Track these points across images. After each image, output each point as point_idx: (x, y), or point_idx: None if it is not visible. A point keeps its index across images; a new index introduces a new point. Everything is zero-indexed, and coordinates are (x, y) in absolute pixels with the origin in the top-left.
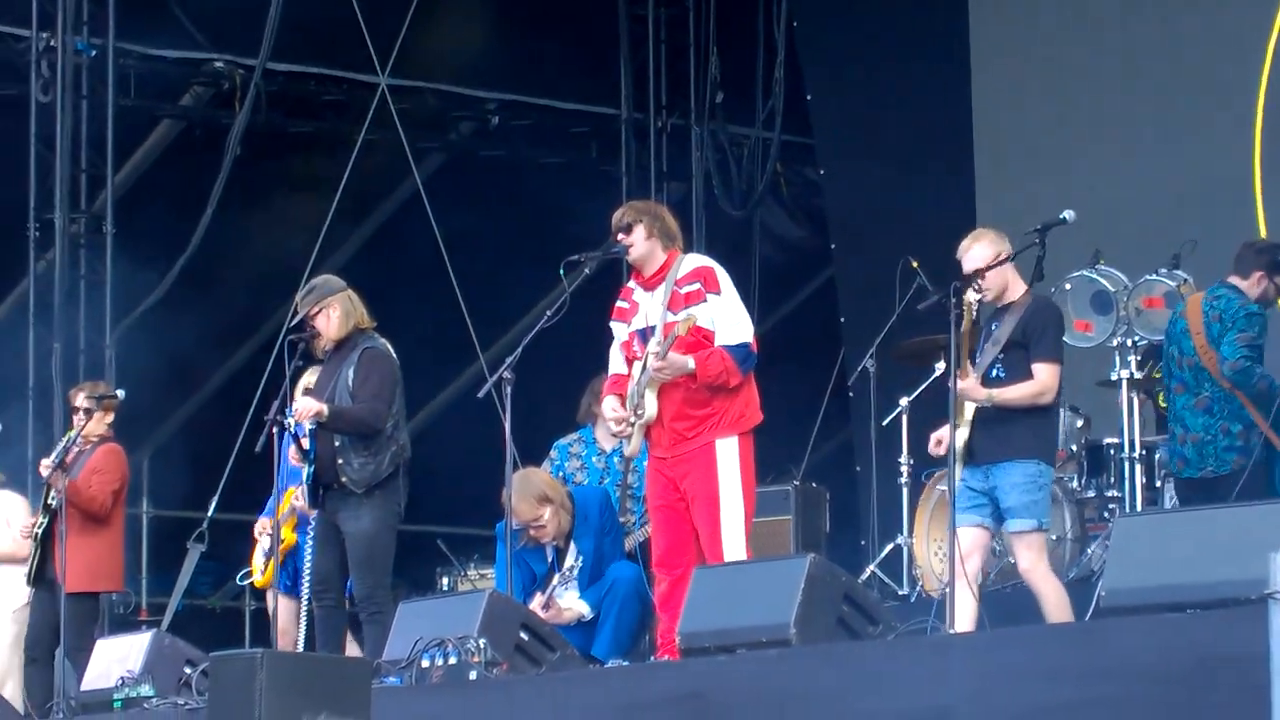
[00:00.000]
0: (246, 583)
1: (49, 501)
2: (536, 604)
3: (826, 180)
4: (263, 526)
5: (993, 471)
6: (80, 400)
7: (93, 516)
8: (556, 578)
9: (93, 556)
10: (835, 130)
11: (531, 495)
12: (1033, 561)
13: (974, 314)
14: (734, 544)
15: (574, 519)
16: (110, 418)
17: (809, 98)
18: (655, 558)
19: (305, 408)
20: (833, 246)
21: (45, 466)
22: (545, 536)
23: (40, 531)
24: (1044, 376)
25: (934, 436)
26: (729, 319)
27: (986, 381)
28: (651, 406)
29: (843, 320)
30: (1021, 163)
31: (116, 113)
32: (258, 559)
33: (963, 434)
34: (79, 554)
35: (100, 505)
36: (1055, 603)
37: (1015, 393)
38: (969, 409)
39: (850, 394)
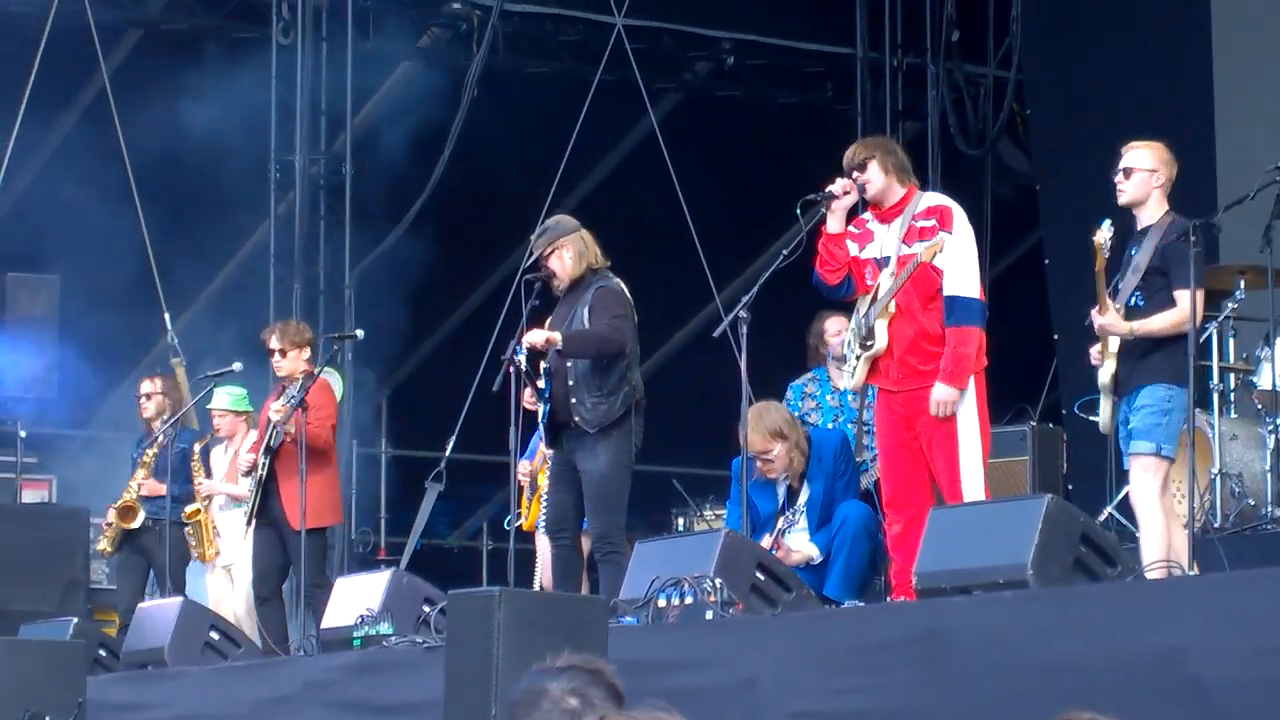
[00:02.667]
0: (514, 526)
1: (270, 443)
2: (764, 545)
3: (1033, 120)
4: (525, 470)
5: (1131, 399)
6: (274, 341)
7: (314, 451)
8: (782, 520)
9: (315, 493)
10: (1046, 67)
11: (766, 428)
12: (1141, 487)
13: (1105, 254)
14: (973, 483)
15: (808, 460)
16: (308, 353)
17: (1012, 29)
18: (885, 499)
19: (535, 336)
20: (1038, 188)
21: (277, 411)
22: (773, 472)
23: (263, 473)
24: (1186, 304)
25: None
26: (959, 267)
27: (1127, 311)
28: (882, 338)
29: (1047, 262)
30: (1264, 97)
31: (355, 55)
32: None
33: (1110, 367)
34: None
35: (324, 441)
36: (1150, 535)
37: (1158, 322)
38: (1113, 342)
39: (1055, 336)
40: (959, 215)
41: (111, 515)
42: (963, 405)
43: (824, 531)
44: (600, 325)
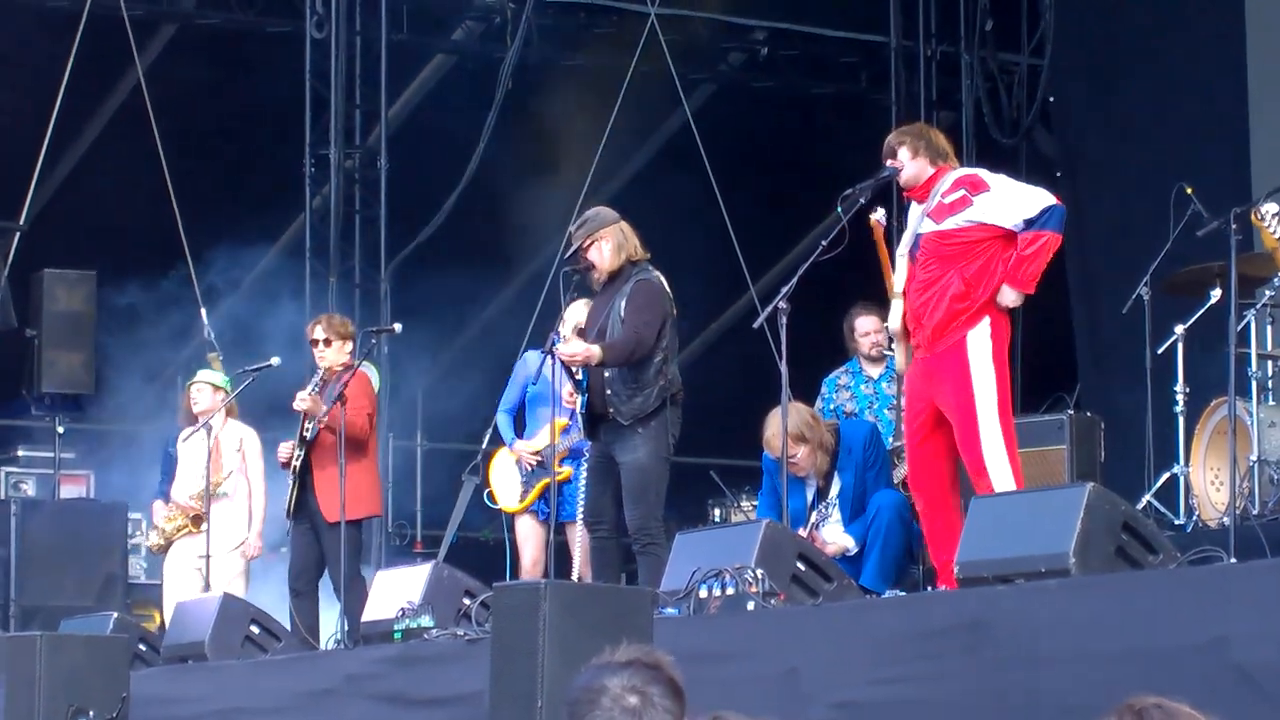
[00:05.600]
0: (495, 505)
1: (304, 434)
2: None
3: (1059, 106)
4: (523, 449)
5: None
6: (320, 332)
7: (352, 443)
8: (814, 515)
9: (353, 485)
10: (1076, 54)
11: (788, 432)
12: None
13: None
14: (996, 459)
15: (836, 455)
16: (350, 346)
17: (1045, 17)
18: (909, 481)
19: (573, 352)
20: (1059, 174)
21: (301, 400)
22: (798, 472)
23: (298, 465)
24: None
25: None
26: (1010, 201)
27: None
28: (894, 319)
29: (1067, 250)
30: None
31: (389, 48)
32: (501, 482)
33: None
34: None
35: (360, 431)
36: None
37: None
38: None
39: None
40: (985, 173)
41: (180, 519)
42: (979, 363)
43: (858, 522)
44: (626, 332)
